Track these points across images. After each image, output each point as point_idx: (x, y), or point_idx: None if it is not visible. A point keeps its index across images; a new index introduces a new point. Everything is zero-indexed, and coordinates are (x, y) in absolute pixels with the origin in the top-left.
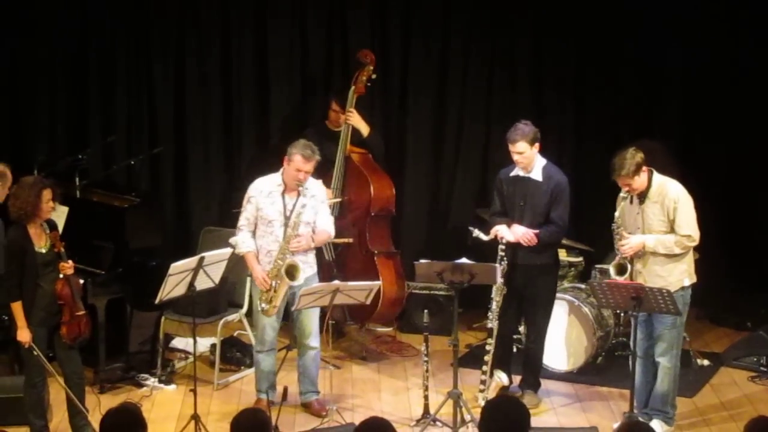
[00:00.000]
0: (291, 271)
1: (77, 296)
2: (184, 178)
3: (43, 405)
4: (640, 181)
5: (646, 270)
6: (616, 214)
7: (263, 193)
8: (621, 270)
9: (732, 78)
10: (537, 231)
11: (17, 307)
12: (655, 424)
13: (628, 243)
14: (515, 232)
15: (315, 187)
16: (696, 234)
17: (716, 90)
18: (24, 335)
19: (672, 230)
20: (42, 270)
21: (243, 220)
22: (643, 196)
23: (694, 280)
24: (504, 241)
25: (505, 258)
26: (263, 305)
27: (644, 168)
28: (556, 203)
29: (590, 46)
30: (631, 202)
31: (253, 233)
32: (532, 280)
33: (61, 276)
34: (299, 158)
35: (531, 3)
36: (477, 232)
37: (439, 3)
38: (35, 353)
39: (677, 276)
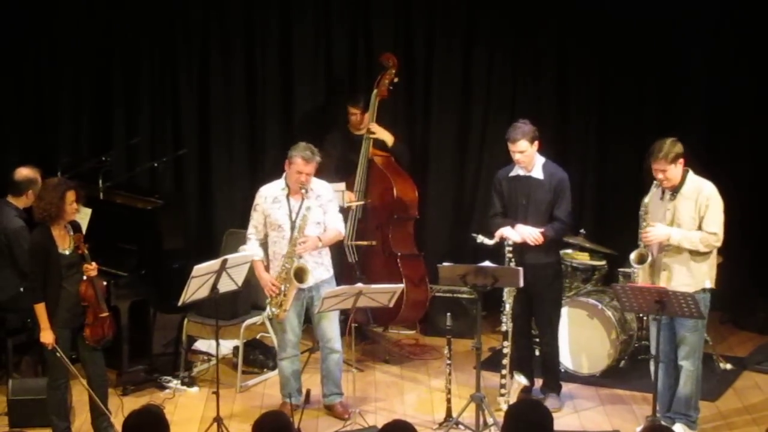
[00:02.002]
0: (299, 274)
1: (101, 298)
2: (207, 180)
3: (65, 406)
4: (674, 172)
5: (670, 264)
6: (645, 200)
7: (269, 200)
8: (641, 259)
9: (757, 81)
10: (543, 229)
11: (41, 309)
12: (678, 427)
13: (652, 231)
14: (521, 232)
15: (320, 187)
16: (722, 234)
17: (741, 93)
18: (47, 337)
19: (701, 228)
20: (66, 272)
21: (251, 229)
22: (674, 192)
23: (714, 285)
24: (510, 242)
25: (512, 259)
26: (273, 309)
27: (681, 161)
28: (559, 200)
29: (615, 47)
30: (662, 198)
31: (264, 242)
32: (541, 280)
33: (84, 278)
34: (299, 160)
35: (555, 3)
36: (481, 238)
37: (462, 5)
38: (58, 354)
39: (700, 277)
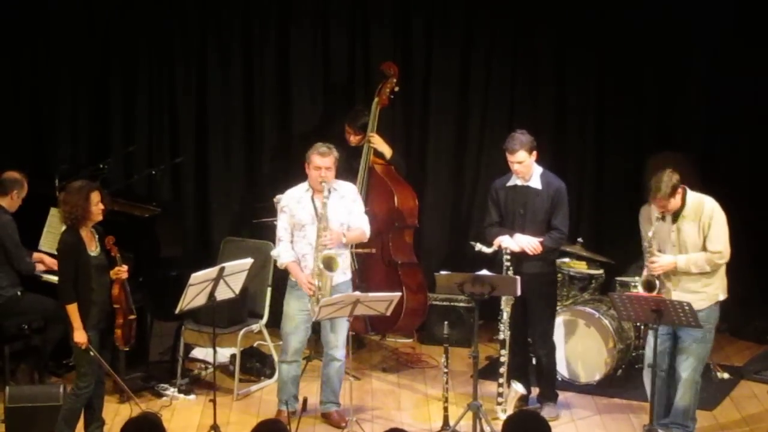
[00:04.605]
0: (328, 263)
1: (130, 300)
2: (205, 188)
3: (77, 416)
4: (675, 203)
5: (678, 288)
6: (650, 233)
7: (294, 200)
8: (649, 286)
9: (754, 86)
10: (541, 239)
11: (73, 309)
12: None
13: (659, 261)
14: (519, 242)
15: (344, 188)
16: (726, 251)
17: (739, 99)
18: (81, 336)
19: (705, 247)
20: (94, 273)
21: (281, 231)
22: (676, 214)
23: (726, 295)
24: (508, 251)
25: (510, 268)
26: (315, 308)
27: (679, 188)
28: (557, 210)
29: (612, 55)
30: (664, 219)
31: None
32: (537, 289)
33: (115, 280)
34: (316, 156)
35: (553, 12)
36: (479, 246)
37: (461, 13)
38: (92, 354)
39: (712, 291)
